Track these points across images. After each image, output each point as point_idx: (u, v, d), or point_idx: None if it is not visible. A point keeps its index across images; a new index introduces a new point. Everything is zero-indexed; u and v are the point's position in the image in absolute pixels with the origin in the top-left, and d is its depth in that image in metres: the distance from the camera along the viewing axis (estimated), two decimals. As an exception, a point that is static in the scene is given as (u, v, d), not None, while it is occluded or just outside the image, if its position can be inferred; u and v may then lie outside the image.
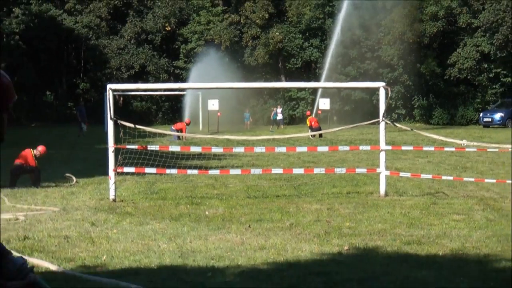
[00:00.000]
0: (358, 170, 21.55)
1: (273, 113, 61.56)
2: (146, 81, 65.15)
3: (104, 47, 72.50)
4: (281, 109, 63.01)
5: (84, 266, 11.12)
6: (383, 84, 20.17)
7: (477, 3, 62.13)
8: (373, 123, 20.67)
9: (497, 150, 25.63)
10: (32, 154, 21.85)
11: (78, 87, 74.08)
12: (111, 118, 19.04)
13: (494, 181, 20.34)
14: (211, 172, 22.48)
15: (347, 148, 24.60)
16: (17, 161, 21.70)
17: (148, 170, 20.24)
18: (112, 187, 18.51)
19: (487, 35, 62.22)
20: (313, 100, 61.88)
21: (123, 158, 19.73)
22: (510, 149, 26.13)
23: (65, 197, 19.15)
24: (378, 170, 19.31)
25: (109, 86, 19.88)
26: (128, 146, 20.47)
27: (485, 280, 10.00)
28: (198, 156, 27.03)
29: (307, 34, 69.72)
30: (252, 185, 21.29)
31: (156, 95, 64.50)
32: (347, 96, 64.04)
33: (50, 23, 72.59)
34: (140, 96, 63.79)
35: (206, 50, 70.28)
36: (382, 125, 19.42)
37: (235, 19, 70.70)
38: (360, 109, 58.40)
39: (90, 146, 37.56)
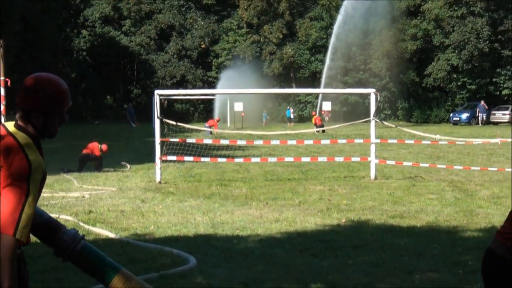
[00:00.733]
0: (353, 159, 21.52)
1: (286, 111, 61.84)
2: (185, 87, 65.08)
3: (152, 61, 72.52)
4: (292, 109, 63.13)
5: (135, 234, 11.16)
6: (373, 90, 20.15)
7: (448, 26, 61.80)
8: (365, 121, 20.63)
9: (463, 143, 25.58)
10: (98, 147, 21.95)
11: (132, 92, 74.18)
12: (157, 117, 19.10)
13: (461, 167, 20.27)
14: (236, 160, 22.53)
15: (344, 141, 24.61)
16: (85, 151, 21.80)
17: (186, 158, 20.26)
18: (158, 171, 18.55)
19: (456, 51, 61.91)
20: (319, 103, 61.69)
21: (167, 148, 19.81)
22: (474, 142, 26.08)
23: (121, 180, 19.21)
24: (369, 158, 19.29)
25: (156, 91, 19.97)
26: (171, 139, 20.54)
27: (454, 246, 9.98)
28: (226, 147, 27.02)
29: (313, 50, 69.55)
30: (269, 170, 21.29)
31: (193, 98, 64.41)
32: (345, 100, 63.86)
33: (110, 42, 72.78)
34: (180, 99, 63.71)
35: (233, 63, 70.41)
36: (372, 123, 19.38)
37: (256, 39, 70.54)
38: (355, 110, 58.19)
39: (141, 139, 37.62)
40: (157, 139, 18.86)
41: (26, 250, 4.15)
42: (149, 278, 8.17)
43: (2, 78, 16.93)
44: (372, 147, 19.17)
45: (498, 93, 62.04)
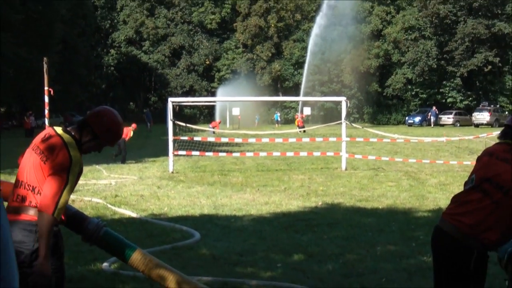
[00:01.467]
0: (328, 154, 21.53)
1: (275, 116, 61.94)
2: (193, 96, 64.92)
3: (166, 74, 72.36)
4: (279, 113, 63.22)
5: (152, 214, 11.14)
6: (344, 98, 20.24)
7: (404, 46, 61.88)
8: (338, 123, 20.62)
9: (416, 141, 25.59)
10: (130, 130, 21.85)
11: (150, 100, 74.02)
12: (170, 120, 19.12)
13: (414, 160, 20.30)
14: (234, 154, 22.54)
15: (321, 139, 24.59)
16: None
17: (194, 153, 20.28)
18: (171, 163, 18.54)
19: (410, 67, 61.93)
20: (300, 108, 61.65)
21: (178, 145, 19.82)
22: (424, 140, 26.12)
23: (141, 170, 19.20)
24: (340, 153, 19.31)
25: (169, 99, 19.96)
26: (181, 138, 20.55)
27: (408, 224, 9.99)
28: (226, 144, 27.02)
29: (296, 66, 69.41)
30: (260, 163, 21.29)
31: (199, 105, 64.34)
32: (322, 106, 63.82)
33: (132, 59, 72.56)
34: (189, 105, 63.62)
35: (231, 76, 70.39)
36: (343, 125, 19.42)
37: (250, 57, 70.41)
38: (330, 114, 58.04)
39: (157, 137, 37.56)
40: (170, 137, 18.87)
41: (63, 228, 4.18)
42: (163, 249, 8.16)
43: (46, 88, 16.88)
44: (343, 144, 19.23)
45: (444, 100, 62.11)
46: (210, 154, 21.04)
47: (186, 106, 64.21)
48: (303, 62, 66.93)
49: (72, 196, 9.93)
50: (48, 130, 4.20)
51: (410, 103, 64.86)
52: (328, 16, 63.94)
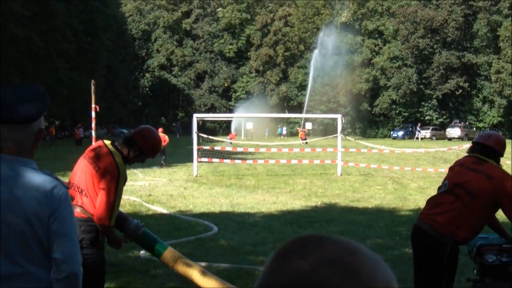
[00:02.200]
0: (326, 161, 21.52)
1: (279, 129, 61.77)
2: (214, 112, 65.00)
3: (192, 94, 72.42)
4: (285, 127, 63.15)
5: (180, 210, 11.17)
6: (340, 115, 20.29)
7: (389, 73, 61.67)
8: (334, 136, 20.62)
9: (400, 151, 25.48)
10: (165, 137, 22.11)
11: (178, 115, 74.13)
12: (195, 132, 19.17)
13: (398, 168, 20.25)
14: (248, 161, 22.54)
15: (320, 149, 24.59)
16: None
17: (214, 160, 20.30)
18: (195, 168, 18.58)
19: (395, 90, 61.72)
20: (303, 124, 61.51)
21: (201, 153, 19.84)
22: (407, 151, 26.01)
23: (170, 174, 19.25)
24: (336, 161, 19.29)
25: (194, 115, 20.11)
26: (204, 147, 20.58)
27: (393, 221, 9.97)
28: (241, 153, 27.07)
29: (299, 88, 69.38)
30: (269, 169, 21.31)
31: (219, 120, 64.43)
32: (321, 121, 63.61)
33: (164, 81, 72.76)
34: (210, 120, 63.72)
35: (246, 96, 70.36)
36: (339, 137, 19.40)
37: (261, 80, 70.43)
38: (328, 128, 57.64)
39: (184, 147, 37.62)
40: (195, 147, 18.92)
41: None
42: (189, 240, 8.18)
43: (93, 105, 16.99)
44: (339, 154, 19.20)
45: (422, 118, 61.69)
46: (227, 161, 21.06)
47: (208, 121, 64.17)
48: (306, 85, 66.91)
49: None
50: (99, 143, 4.24)
51: (395, 120, 64.55)
52: (323, 46, 64.08)
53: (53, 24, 41.22)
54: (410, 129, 57.82)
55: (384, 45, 64.04)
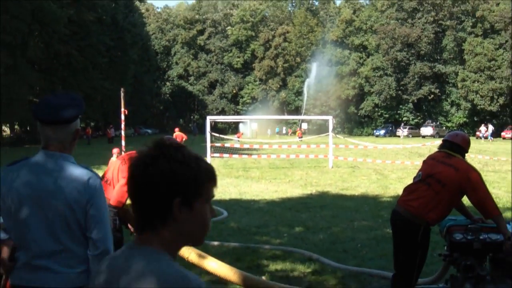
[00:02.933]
0: (319, 156, 21.52)
1: (276, 129, 61.65)
2: (224, 115, 64.98)
3: (205, 100, 72.43)
4: (284, 127, 62.97)
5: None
6: (331, 117, 20.29)
7: (372, 81, 61.40)
8: (326, 135, 20.60)
9: (382, 147, 25.42)
10: (181, 139, 21.88)
11: (194, 117, 74.20)
12: (208, 132, 19.19)
13: (380, 161, 20.19)
14: (253, 156, 22.54)
15: (314, 146, 24.55)
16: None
17: (224, 155, 20.32)
18: (209, 162, 18.57)
19: (377, 95, 61.51)
20: (300, 124, 61.38)
21: (214, 149, 19.85)
22: (387, 147, 25.96)
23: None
24: (328, 156, 19.27)
25: (208, 117, 20.13)
26: (216, 144, 20.59)
27: (376, 206, 9.96)
28: (247, 149, 27.06)
29: (296, 94, 69.21)
30: (271, 162, 21.29)
31: (228, 121, 64.38)
32: (315, 122, 63.47)
33: (182, 89, 72.81)
34: (221, 121, 63.64)
35: (251, 101, 70.34)
36: (330, 136, 19.39)
37: (264, 87, 70.33)
38: (321, 128, 57.57)
39: (199, 144, 37.55)
40: (208, 144, 18.95)
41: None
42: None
43: (122, 109, 17.01)
44: (330, 149, 19.18)
45: (400, 119, 61.44)
46: (236, 156, 21.06)
47: (219, 122, 64.22)
48: (302, 92, 66.91)
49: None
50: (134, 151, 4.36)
51: (377, 121, 64.29)
52: (317, 59, 64.15)
53: (89, 41, 41.93)
54: (390, 128, 57.94)
55: (368, 57, 63.89)
